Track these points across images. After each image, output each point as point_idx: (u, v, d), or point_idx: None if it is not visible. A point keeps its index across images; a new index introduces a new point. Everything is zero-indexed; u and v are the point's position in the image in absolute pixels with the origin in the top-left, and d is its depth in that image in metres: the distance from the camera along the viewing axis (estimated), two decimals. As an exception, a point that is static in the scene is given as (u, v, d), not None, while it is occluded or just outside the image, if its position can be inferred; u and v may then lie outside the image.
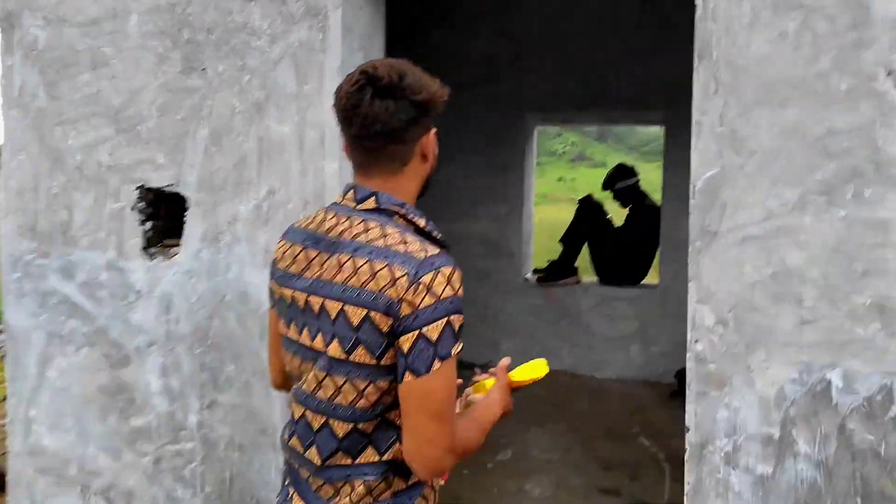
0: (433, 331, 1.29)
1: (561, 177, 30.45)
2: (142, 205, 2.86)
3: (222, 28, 2.69)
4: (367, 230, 1.39)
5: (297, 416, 1.49)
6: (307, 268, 1.44)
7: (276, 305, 1.53)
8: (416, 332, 1.29)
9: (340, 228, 1.42)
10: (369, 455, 1.40)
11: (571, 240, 5.56)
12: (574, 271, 5.55)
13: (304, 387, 1.46)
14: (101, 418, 2.91)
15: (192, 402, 2.81)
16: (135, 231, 2.86)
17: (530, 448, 4.14)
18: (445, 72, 1.65)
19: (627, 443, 4.24)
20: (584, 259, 5.67)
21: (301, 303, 1.43)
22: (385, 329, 1.31)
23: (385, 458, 1.40)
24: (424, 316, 1.29)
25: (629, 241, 5.39)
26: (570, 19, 5.36)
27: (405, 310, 1.30)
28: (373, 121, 1.36)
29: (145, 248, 2.86)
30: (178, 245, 2.83)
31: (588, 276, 5.78)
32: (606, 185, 5.57)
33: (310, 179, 2.63)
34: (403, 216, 1.43)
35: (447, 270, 1.32)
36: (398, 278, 1.30)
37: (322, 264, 1.41)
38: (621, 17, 5.24)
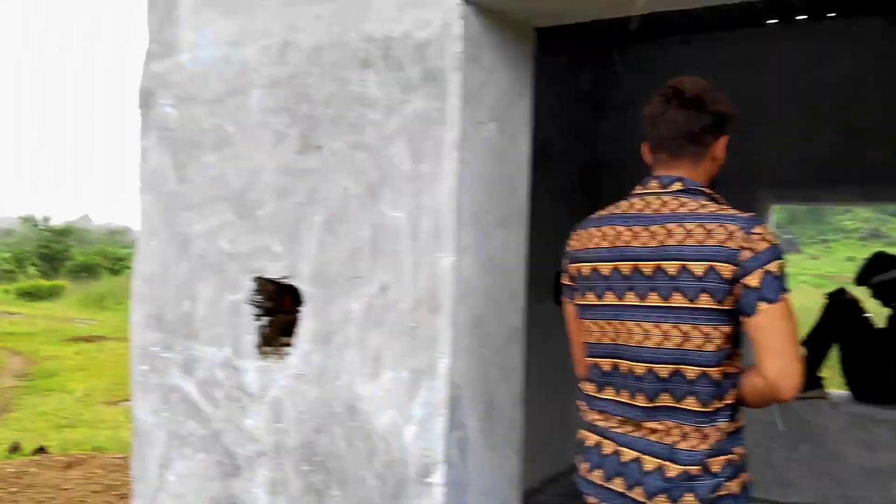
0: (774, 267, 1.54)
1: (851, 256, 27.39)
2: (258, 298, 2.57)
3: (339, 100, 2.36)
4: (682, 205, 1.64)
5: (607, 369, 1.72)
6: (629, 240, 1.67)
7: (575, 288, 1.80)
8: (761, 270, 1.52)
9: (655, 206, 1.67)
10: (706, 400, 1.58)
11: (817, 343, 4.51)
12: (818, 382, 4.51)
13: (622, 341, 1.68)
14: (209, 534, 2.63)
15: (291, 531, 2.41)
16: (250, 327, 2.57)
17: None
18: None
19: None
20: (832, 366, 4.61)
21: (625, 270, 1.66)
22: (728, 276, 1.54)
23: (727, 401, 1.59)
24: (765, 256, 1.53)
25: (893, 349, 4.29)
26: (810, 71, 4.47)
27: (745, 255, 1.53)
28: (677, 124, 1.69)
29: (259, 347, 2.56)
30: (291, 344, 2.50)
31: (837, 388, 4.70)
32: (861, 280, 4.53)
33: (423, 275, 2.18)
34: (709, 195, 1.68)
35: (767, 226, 1.59)
36: (733, 232, 1.55)
37: (647, 234, 1.64)
38: (883, 63, 4.26)
